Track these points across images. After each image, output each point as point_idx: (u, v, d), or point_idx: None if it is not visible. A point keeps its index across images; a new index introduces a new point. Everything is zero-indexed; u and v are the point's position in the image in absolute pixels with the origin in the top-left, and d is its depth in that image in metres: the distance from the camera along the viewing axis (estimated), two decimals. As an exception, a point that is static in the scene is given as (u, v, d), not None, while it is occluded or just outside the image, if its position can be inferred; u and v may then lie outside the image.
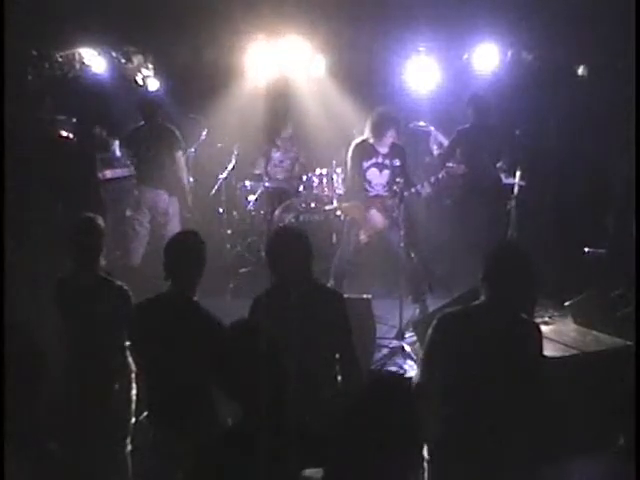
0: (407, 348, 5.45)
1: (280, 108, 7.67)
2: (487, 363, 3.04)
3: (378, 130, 6.00)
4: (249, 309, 3.48)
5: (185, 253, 3.45)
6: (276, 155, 7.79)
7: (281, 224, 6.95)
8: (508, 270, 3.12)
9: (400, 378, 2.12)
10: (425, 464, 3.28)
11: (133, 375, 3.93)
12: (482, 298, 3.18)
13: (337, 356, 3.50)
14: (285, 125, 7.68)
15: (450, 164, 6.73)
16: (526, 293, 3.22)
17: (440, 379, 3.17)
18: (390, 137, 6.03)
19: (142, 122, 6.76)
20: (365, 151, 6.13)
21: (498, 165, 7.03)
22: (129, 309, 3.79)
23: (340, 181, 7.34)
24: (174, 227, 6.72)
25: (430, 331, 3.23)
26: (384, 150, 6.09)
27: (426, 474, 3.29)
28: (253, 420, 2.16)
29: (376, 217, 6.24)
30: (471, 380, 3.06)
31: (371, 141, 6.07)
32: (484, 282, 3.16)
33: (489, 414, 2.98)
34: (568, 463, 3.56)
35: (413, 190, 6.05)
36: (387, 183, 6.16)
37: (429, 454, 3.24)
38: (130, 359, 3.94)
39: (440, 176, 6.24)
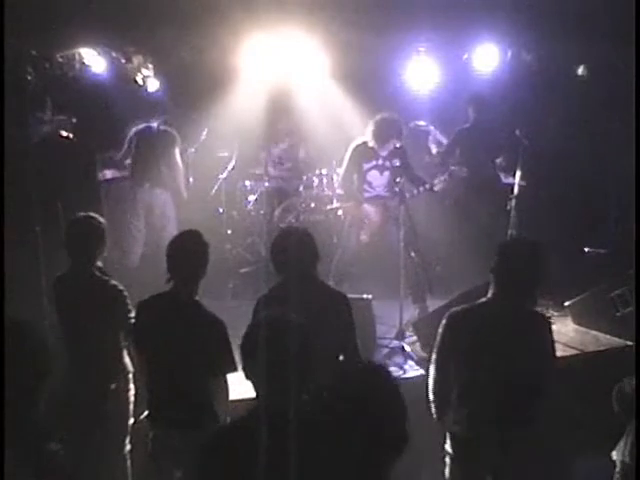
0: (407, 348, 5.45)
1: (280, 108, 7.67)
2: (500, 357, 3.09)
3: (380, 138, 6.00)
4: (253, 309, 3.48)
5: (189, 254, 3.44)
6: (276, 153, 7.78)
7: (284, 224, 6.96)
8: (514, 266, 3.17)
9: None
10: (447, 459, 3.31)
11: (130, 375, 3.93)
12: (488, 295, 3.21)
13: (341, 357, 3.51)
14: (281, 120, 7.67)
15: (453, 167, 6.73)
16: (532, 289, 3.26)
17: (454, 376, 3.20)
18: (392, 144, 6.04)
19: (144, 123, 6.78)
20: (365, 153, 6.13)
21: (498, 161, 7.03)
22: (125, 308, 3.79)
23: (339, 181, 7.34)
24: (172, 229, 6.71)
25: (440, 330, 3.26)
26: (384, 153, 6.09)
27: (447, 469, 3.32)
28: (256, 416, 2.16)
29: (376, 217, 6.25)
30: (485, 375, 3.09)
31: (371, 144, 6.07)
32: (491, 275, 3.19)
33: (505, 407, 3.02)
34: (568, 462, 3.58)
35: (427, 186, 6.05)
36: (388, 184, 6.16)
37: (452, 449, 3.28)
38: (127, 359, 3.94)
39: (443, 178, 6.24)
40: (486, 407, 3.10)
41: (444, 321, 3.27)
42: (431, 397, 3.30)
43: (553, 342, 3.23)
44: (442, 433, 3.35)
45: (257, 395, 2.26)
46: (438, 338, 3.27)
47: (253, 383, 2.27)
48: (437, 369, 3.28)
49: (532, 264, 3.18)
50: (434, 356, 3.29)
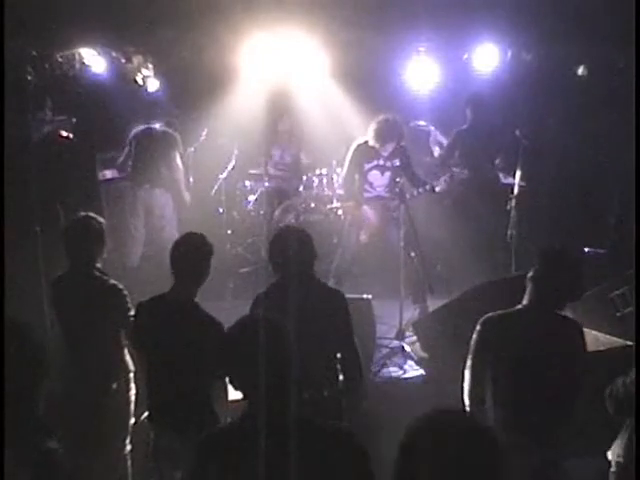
0: (407, 348, 5.46)
1: (280, 107, 7.68)
2: (536, 363, 3.10)
3: (382, 138, 6.00)
4: (250, 307, 3.49)
5: (193, 257, 3.43)
6: (276, 152, 7.78)
7: (282, 224, 6.95)
8: (558, 275, 3.19)
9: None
10: None
11: (131, 375, 3.93)
12: (524, 302, 3.24)
13: (339, 356, 3.51)
14: (282, 119, 7.68)
15: (455, 169, 6.74)
16: (571, 297, 3.28)
17: (490, 381, 3.20)
18: (393, 144, 6.04)
19: (143, 124, 6.79)
20: (367, 153, 6.13)
21: (496, 162, 7.03)
22: (125, 307, 3.80)
23: (340, 181, 7.34)
24: (172, 230, 6.72)
25: (475, 335, 3.25)
26: (386, 153, 6.09)
27: None
28: (254, 417, 2.16)
29: (376, 217, 6.25)
30: (521, 381, 3.12)
31: (373, 144, 6.06)
32: (530, 283, 3.22)
33: (540, 413, 3.07)
34: (568, 462, 3.57)
35: (428, 187, 6.05)
36: (389, 184, 6.16)
37: None
38: (128, 358, 3.93)
39: (444, 180, 6.25)
40: (521, 413, 3.11)
41: (479, 327, 3.25)
42: (467, 402, 3.30)
43: (586, 348, 3.24)
44: None
45: (244, 397, 2.26)
46: (472, 343, 3.26)
47: (234, 387, 2.27)
48: (472, 375, 3.27)
49: (575, 273, 3.21)
50: (469, 362, 3.28)
